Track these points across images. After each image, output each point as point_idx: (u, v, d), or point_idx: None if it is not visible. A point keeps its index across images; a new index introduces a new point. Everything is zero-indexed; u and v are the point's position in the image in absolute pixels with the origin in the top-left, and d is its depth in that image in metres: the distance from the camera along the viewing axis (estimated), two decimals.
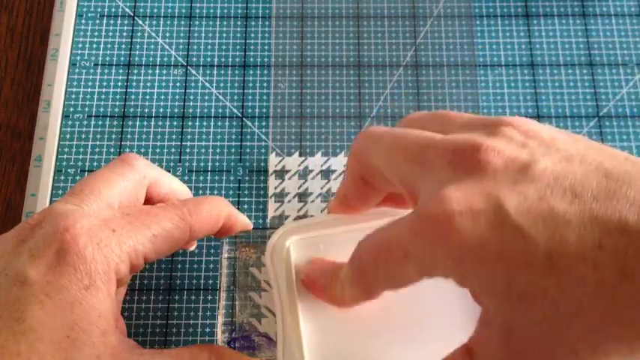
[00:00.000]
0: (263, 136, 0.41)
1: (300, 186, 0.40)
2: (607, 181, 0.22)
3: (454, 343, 0.26)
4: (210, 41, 0.44)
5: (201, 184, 0.40)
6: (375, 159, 0.29)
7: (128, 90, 0.42)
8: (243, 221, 0.35)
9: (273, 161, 0.41)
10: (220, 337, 0.35)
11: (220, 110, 0.42)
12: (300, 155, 0.41)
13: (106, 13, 0.44)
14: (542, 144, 0.25)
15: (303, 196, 0.40)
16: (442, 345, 0.26)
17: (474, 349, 0.25)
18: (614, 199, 0.22)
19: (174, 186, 0.35)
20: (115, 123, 0.41)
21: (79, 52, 0.43)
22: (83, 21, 0.44)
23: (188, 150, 0.41)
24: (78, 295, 0.28)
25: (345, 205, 0.32)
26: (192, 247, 0.38)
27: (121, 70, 0.43)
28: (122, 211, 0.31)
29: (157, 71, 0.43)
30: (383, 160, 0.28)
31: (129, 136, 0.41)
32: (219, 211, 0.33)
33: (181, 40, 0.44)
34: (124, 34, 0.44)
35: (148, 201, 0.34)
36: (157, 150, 0.41)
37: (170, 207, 0.32)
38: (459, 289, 0.25)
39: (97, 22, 0.44)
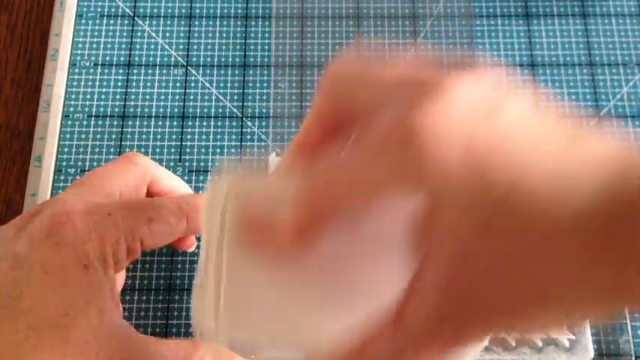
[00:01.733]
0: (263, 136, 0.41)
1: None
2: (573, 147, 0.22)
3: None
4: (210, 41, 0.44)
5: (201, 184, 0.40)
6: (351, 82, 0.27)
7: (128, 90, 0.42)
8: None
9: (273, 161, 0.41)
10: None
11: (220, 110, 0.42)
12: None
13: (106, 13, 0.44)
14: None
15: None
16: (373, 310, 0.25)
17: (407, 298, 0.23)
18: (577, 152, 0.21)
19: (174, 184, 0.36)
20: (115, 123, 0.41)
21: (79, 52, 0.43)
22: (83, 21, 0.44)
23: (188, 150, 0.41)
24: (76, 275, 0.28)
25: (307, 144, 0.29)
26: (192, 248, 0.38)
27: (121, 70, 0.43)
28: (119, 200, 0.32)
29: (157, 71, 0.43)
30: (357, 81, 0.26)
31: (129, 136, 0.41)
32: None
33: (181, 40, 0.44)
34: (124, 34, 0.44)
35: (150, 197, 0.34)
36: (157, 150, 0.41)
37: (167, 197, 0.33)
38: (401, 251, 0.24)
39: (97, 22, 0.44)
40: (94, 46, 0.43)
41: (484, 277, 0.22)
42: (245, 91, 0.43)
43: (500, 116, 0.23)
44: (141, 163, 0.34)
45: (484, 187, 0.22)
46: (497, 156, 0.22)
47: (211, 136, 0.41)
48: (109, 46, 0.43)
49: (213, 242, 0.29)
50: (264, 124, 0.42)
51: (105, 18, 0.44)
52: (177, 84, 0.43)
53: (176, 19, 0.44)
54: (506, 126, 0.22)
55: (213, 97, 0.42)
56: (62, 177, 0.40)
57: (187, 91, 0.42)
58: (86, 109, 0.42)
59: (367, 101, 0.26)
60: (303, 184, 0.26)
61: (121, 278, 0.35)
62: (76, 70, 0.43)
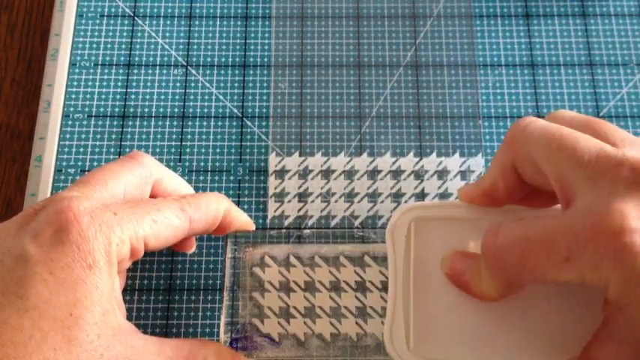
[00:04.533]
0: (263, 136, 0.41)
1: (300, 186, 0.40)
2: None
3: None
4: (210, 41, 0.44)
5: (201, 184, 0.40)
6: (534, 150, 0.29)
7: (128, 90, 0.42)
8: (244, 219, 0.36)
9: (273, 161, 0.41)
10: (223, 337, 0.35)
11: (220, 110, 0.42)
12: (300, 155, 0.41)
13: (106, 13, 0.44)
14: None
15: (303, 196, 0.40)
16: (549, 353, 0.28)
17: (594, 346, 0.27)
18: None
19: (178, 185, 0.36)
20: (115, 123, 0.41)
21: (79, 52, 0.43)
22: (83, 21, 0.44)
23: (188, 150, 0.41)
24: (81, 274, 0.28)
25: (486, 197, 0.32)
26: (192, 250, 0.38)
27: (121, 70, 0.43)
28: (124, 199, 0.32)
29: (157, 71, 0.43)
30: (543, 153, 0.28)
31: (129, 136, 0.41)
32: (219, 204, 0.34)
33: (181, 40, 0.44)
34: (124, 34, 0.44)
35: (153, 198, 0.34)
36: (157, 150, 0.41)
37: (170, 198, 0.33)
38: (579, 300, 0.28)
39: (97, 22, 0.44)
40: (94, 46, 0.43)
41: None
42: (245, 91, 0.43)
43: None
44: (146, 163, 0.34)
45: None
46: None
47: (211, 136, 0.41)
48: (109, 46, 0.43)
49: (399, 269, 0.32)
50: (264, 124, 0.42)
51: (105, 18, 0.44)
52: (177, 84, 0.43)
53: (176, 19, 0.44)
54: None
55: (213, 97, 0.42)
56: (62, 177, 0.40)
57: (187, 91, 0.42)
58: (86, 109, 0.42)
59: (558, 170, 0.28)
60: (491, 258, 0.29)
61: (122, 278, 0.35)
62: (76, 70, 0.43)
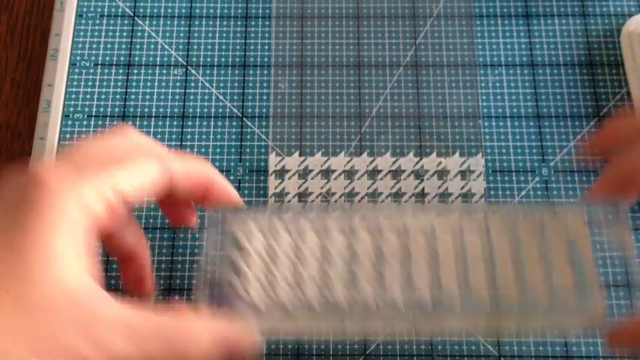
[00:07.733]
0: (263, 136, 0.41)
1: (300, 186, 0.40)
2: None
3: None
4: (210, 41, 0.44)
5: None
6: None
7: (128, 90, 0.42)
8: (231, 190, 0.34)
9: (273, 161, 0.41)
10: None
11: (220, 110, 0.42)
12: (300, 155, 0.41)
13: (106, 13, 0.44)
14: None
15: (303, 196, 0.40)
16: None
17: None
18: None
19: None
20: (115, 123, 0.41)
21: (79, 52, 0.43)
22: (83, 21, 0.44)
23: (188, 150, 0.41)
24: (43, 234, 0.26)
25: None
26: (194, 223, 0.35)
27: (121, 70, 0.43)
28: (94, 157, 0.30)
29: (157, 71, 0.43)
30: None
31: None
32: (203, 166, 0.33)
33: (181, 40, 0.44)
34: (124, 34, 0.44)
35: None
36: None
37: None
38: None
39: (97, 22, 0.44)
40: (94, 46, 0.43)
41: None
42: (245, 91, 0.43)
43: None
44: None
45: None
46: None
47: (211, 136, 0.41)
48: (109, 46, 0.43)
49: None
50: (264, 124, 0.42)
51: (105, 18, 0.44)
52: (177, 84, 0.43)
53: (176, 19, 0.44)
54: None
55: (213, 97, 0.42)
56: None
57: (187, 91, 0.42)
58: (86, 109, 0.42)
59: None
60: None
61: (126, 235, 0.33)
62: (76, 70, 0.43)
